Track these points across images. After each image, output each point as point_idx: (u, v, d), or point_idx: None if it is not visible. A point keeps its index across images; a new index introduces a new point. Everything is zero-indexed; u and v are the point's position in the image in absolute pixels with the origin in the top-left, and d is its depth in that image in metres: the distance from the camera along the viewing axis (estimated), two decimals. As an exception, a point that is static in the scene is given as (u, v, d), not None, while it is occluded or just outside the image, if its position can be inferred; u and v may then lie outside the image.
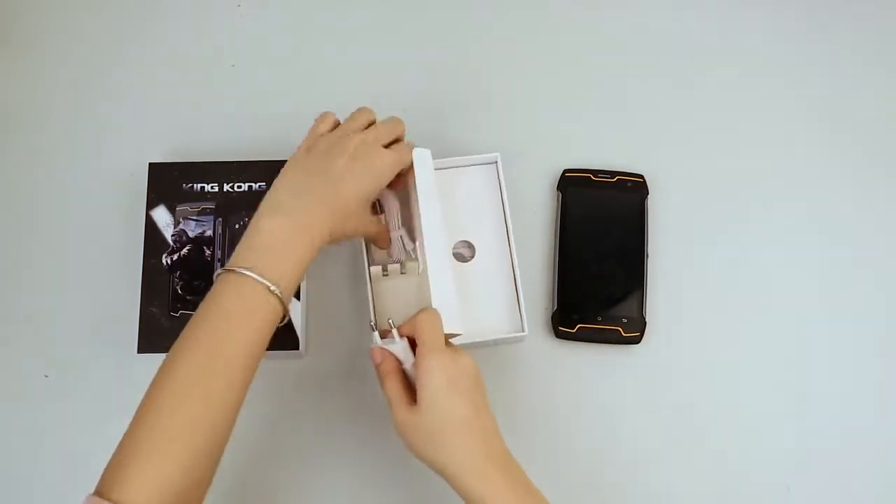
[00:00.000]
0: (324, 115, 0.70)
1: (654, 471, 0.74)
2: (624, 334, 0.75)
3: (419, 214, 0.70)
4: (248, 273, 0.60)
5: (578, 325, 0.75)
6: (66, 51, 0.84)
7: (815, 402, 0.75)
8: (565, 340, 0.75)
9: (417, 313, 0.65)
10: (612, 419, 0.75)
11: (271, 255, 0.61)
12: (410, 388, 0.64)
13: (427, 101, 0.83)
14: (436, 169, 0.77)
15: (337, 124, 0.70)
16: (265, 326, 0.61)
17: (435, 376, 0.60)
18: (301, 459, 0.73)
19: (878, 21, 0.86)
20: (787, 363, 0.76)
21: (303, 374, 0.75)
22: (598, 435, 0.74)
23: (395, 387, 0.63)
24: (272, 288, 0.60)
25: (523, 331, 0.73)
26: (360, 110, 0.71)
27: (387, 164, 0.67)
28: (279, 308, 0.61)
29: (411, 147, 0.70)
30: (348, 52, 0.84)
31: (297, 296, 0.74)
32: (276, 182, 0.65)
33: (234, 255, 0.62)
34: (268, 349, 0.72)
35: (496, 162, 0.77)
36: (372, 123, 0.70)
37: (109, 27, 0.85)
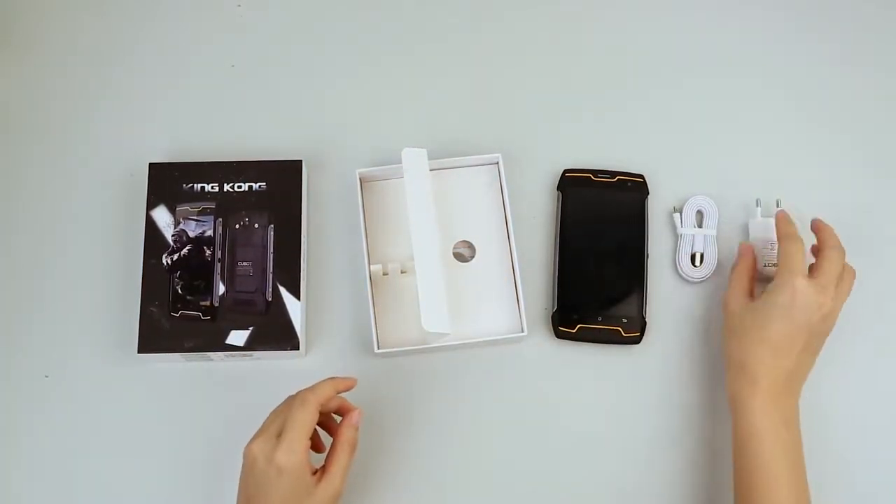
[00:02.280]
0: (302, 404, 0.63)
1: (654, 470, 0.74)
2: (624, 334, 0.75)
3: (408, 217, 0.71)
4: None
5: (578, 325, 0.75)
6: (66, 51, 0.84)
7: (815, 402, 0.75)
8: (565, 340, 0.75)
9: (784, 240, 0.69)
10: (612, 419, 0.75)
11: None
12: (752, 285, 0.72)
13: (427, 100, 0.83)
14: (437, 169, 0.77)
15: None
16: None
17: (779, 295, 0.67)
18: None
19: (878, 23, 0.86)
20: (787, 363, 0.76)
21: (303, 374, 0.75)
22: (597, 434, 0.74)
23: (743, 276, 0.72)
24: None
25: (523, 331, 0.73)
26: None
27: (286, 469, 0.60)
28: None
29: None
30: (348, 53, 0.84)
31: (298, 295, 0.74)
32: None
33: None
34: (267, 348, 0.72)
35: (497, 162, 0.77)
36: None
37: (109, 27, 0.85)
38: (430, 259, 0.70)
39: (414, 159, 0.73)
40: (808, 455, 0.67)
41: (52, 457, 0.73)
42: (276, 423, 0.62)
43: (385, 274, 0.75)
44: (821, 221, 0.72)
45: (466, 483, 0.73)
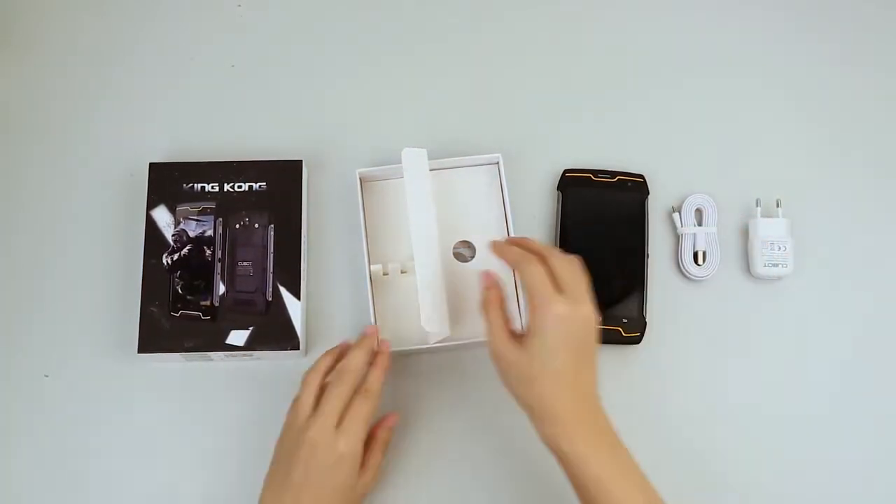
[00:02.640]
0: (296, 400, 0.67)
1: (654, 470, 0.73)
2: (624, 334, 0.75)
3: (408, 217, 0.71)
4: None
5: (579, 325, 0.75)
6: (67, 51, 0.84)
7: (815, 402, 0.75)
8: (565, 340, 0.75)
9: (522, 264, 0.64)
10: (612, 419, 0.74)
11: None
12: (510, 319, 0.66)
13: (427, 100, 0.83)
14: (437, 169, 0.77)
15: (316, 388, 0.67)
16: None
17: (547, 328, 0.61)
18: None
19: (878, 23, 0.86)
20: (787, 363, 0.76)
21: (303, 374, 0.75)
22: (598, 435, 0.74)
23: (498, 318, 0.65)
24: None
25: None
26: (310, 373, 0.68)
27: (345, 458, 0.64)
28: None
29: (374, 394, 0.67)
30: (349, 53, 0.84)
31: (298, 295, 0.74)
32: (267, 476, 0.66)
33: None
34: (267, 348, 0.72)
35: (498, 162, 0.77)
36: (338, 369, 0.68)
37: (109, 27, 0.85)
38: (430, 259, 0.70)
39: (414, 159, 0.73)
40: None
41: (52, 456, 0.73)
42: (335, 408, 0.65)
43: (385, 274, 0.75)
44: (511, 240, 0.68)
45: (466, 482, 0.73)
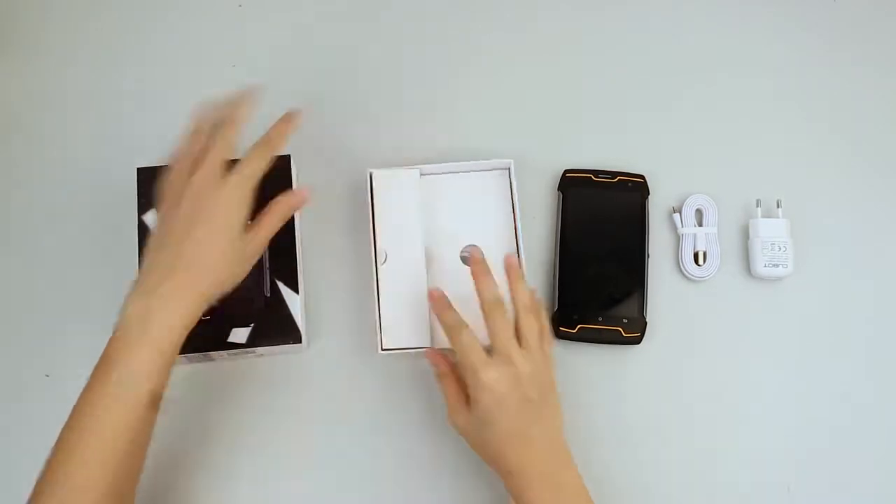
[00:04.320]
0: (170, 165, 0.64)
1: (654, 470, 0.74)
2: (624, 334, 0.75)
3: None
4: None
5: (579, 326, 0.75)
6: (67, 52, 0.84)
7: (815, 402, 0.75)
8: (565, 340, 0.75)
9: (451, 335, 0.65)
10: (612, 419, 0.75)
11: (132, 342, 0.59)
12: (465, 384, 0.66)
13: (426, 101, 0.83)
14: (445, 173, 0.77)
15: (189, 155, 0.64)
16: (127, 415, 0.59)
17: (481, 397, 0.62)
18: (303, 453, 0.73)
19: (879, 23, 0.86)
20: (787, 362, 0.76)
21: (305, 368, 0.75)
22: (597, 435, 0.74)
23: (449, 387, 0.67)
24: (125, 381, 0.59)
25: None
26: (194, 127, 0.65)
27: (232, 202, 0.62)
28: (140, 396, 0.59)
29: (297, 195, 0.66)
30: (349, 53, 0.84)
31: (296, 289, 0.74)
32: (144, 253, 0.63)
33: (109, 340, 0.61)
34: (269, 343, 0.72)
35: (509, 168, 0.77)
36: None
37: (109, 28, 0.85)
38: (396, 280, 0.73)
39: (388, 181, 0.74)
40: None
41: (53, 457, 0.73)
42: (219, 153, 0.62)
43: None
44: (511, 259, 0.69)
45: (467, 482, 0.73)
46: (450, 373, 0.67)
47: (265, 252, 0.74)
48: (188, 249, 0.60)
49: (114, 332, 0.60)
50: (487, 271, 0.67)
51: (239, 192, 0.62)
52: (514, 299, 0.67)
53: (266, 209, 0.65)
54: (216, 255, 0.61)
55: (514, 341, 0.64)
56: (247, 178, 0.62)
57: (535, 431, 0.63)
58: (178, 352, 0.61)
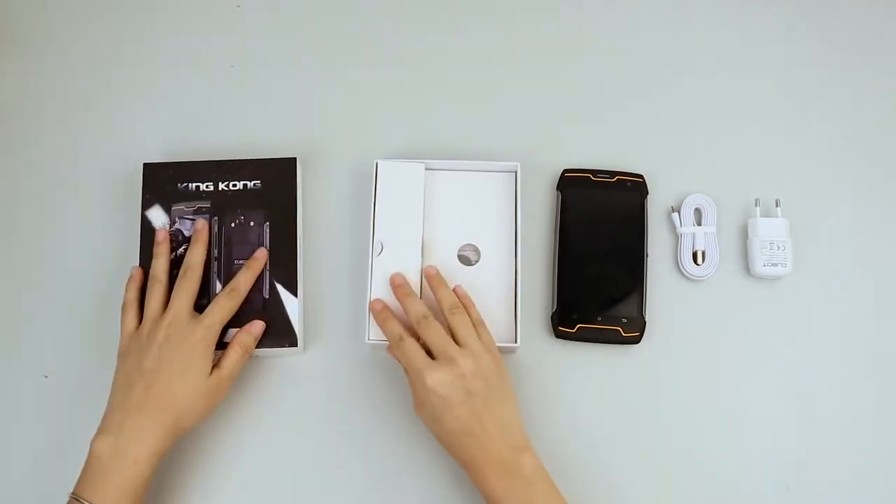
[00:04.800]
0: (124, 308, 0.71)
1: (655, 470, 0.73)
2: (624, 334, 0.75)
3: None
4: (77, 499, 0.63)
5: (578, 326, 0.75)
6: (66, 51, 0.84)
7: (815, 402, 0.75)
8: (565, 340, 0.75)
9: (394, 347, 0.69)
10: (612, 419, 0.74)
11: (97, 478, 0.64)
12: None
13: (426, 101, 0.83)
14: (450, 170, 0.77)
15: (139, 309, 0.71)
16: None
17: (426, 399, 0.65)
18: (300, 456, 0.73)
19: (879, 23, 0.86)
20: (787, 362, 0.76)
21: (301, 371, 0.75)
22: (597, 435, 0.74)
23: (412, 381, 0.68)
24: None
25: (516, 342, 0.73)
26: (151, 283, 0.71)
27: (198, 347, 0.67)
28: None
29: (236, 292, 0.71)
30: (348, 53, 0.84)
31: (295, 292, 0.74)
32: (109, 397, 0.68)
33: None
34: (265, 346, 0.72)
35: (515, 171, 0.77)
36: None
37: (109, 27, 0.85)
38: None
39: (392, 173, 0.73)
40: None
41: (53, 457, 0.73)
42: (185, 300, 0.69)
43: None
44: (431, 271, 0.72)
45: (466, 482, 0.73)
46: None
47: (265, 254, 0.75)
48: (156, 389, 0.66)
49: (83, 470, 0.65)
50: (411, 292, 0.71)
51: (206, 337, 0.68)
52: (439, 304, 0.70)
53: (227, 349, 0.70)
54: (182, 395, 0.66)
55: (450, 343, 0.67)
56: (214, 325, 0.69)
57: (485, 422, 0.65)
58: (150, 479, 0.65)
